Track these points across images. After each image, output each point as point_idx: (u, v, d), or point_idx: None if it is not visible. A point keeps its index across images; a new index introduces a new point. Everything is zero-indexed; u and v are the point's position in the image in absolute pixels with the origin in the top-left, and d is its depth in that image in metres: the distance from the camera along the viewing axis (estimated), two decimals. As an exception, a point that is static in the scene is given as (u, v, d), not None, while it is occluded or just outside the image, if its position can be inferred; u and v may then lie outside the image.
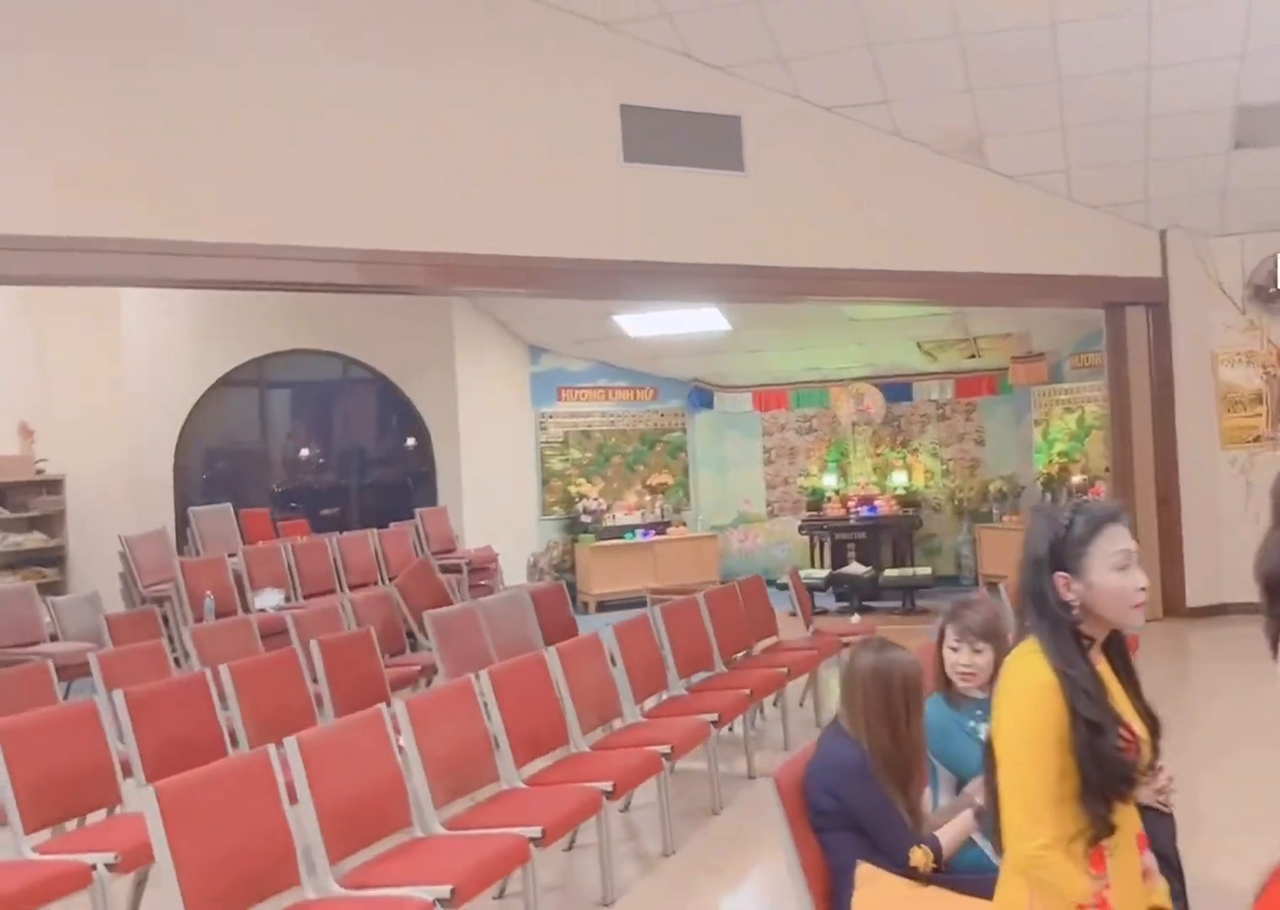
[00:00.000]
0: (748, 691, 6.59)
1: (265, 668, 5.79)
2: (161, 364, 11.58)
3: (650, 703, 6.50)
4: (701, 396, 14.83)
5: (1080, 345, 12.60)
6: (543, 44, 8.25)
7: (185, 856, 3.37)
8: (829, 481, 14.22)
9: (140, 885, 4.63)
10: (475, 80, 7.97)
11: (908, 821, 3.20)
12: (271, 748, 3.93)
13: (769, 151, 8.88)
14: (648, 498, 14.30)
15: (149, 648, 6.43)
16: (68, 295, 9.96)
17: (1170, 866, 3.23)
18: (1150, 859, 2.54)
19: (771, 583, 8.89)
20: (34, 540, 10.99)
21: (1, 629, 6.92)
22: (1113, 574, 2.34)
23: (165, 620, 8.22)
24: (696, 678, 7.07)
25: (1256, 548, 2.57)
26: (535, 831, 4.25)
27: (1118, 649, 2.46)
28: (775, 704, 7.70)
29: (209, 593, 8.81)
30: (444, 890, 3.68)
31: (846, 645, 8.30)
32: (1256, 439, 10.57)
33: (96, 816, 4.97)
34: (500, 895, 4.82)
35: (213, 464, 12.64)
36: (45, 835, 4.58)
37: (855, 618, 10.15)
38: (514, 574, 12.43)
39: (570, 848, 5.40)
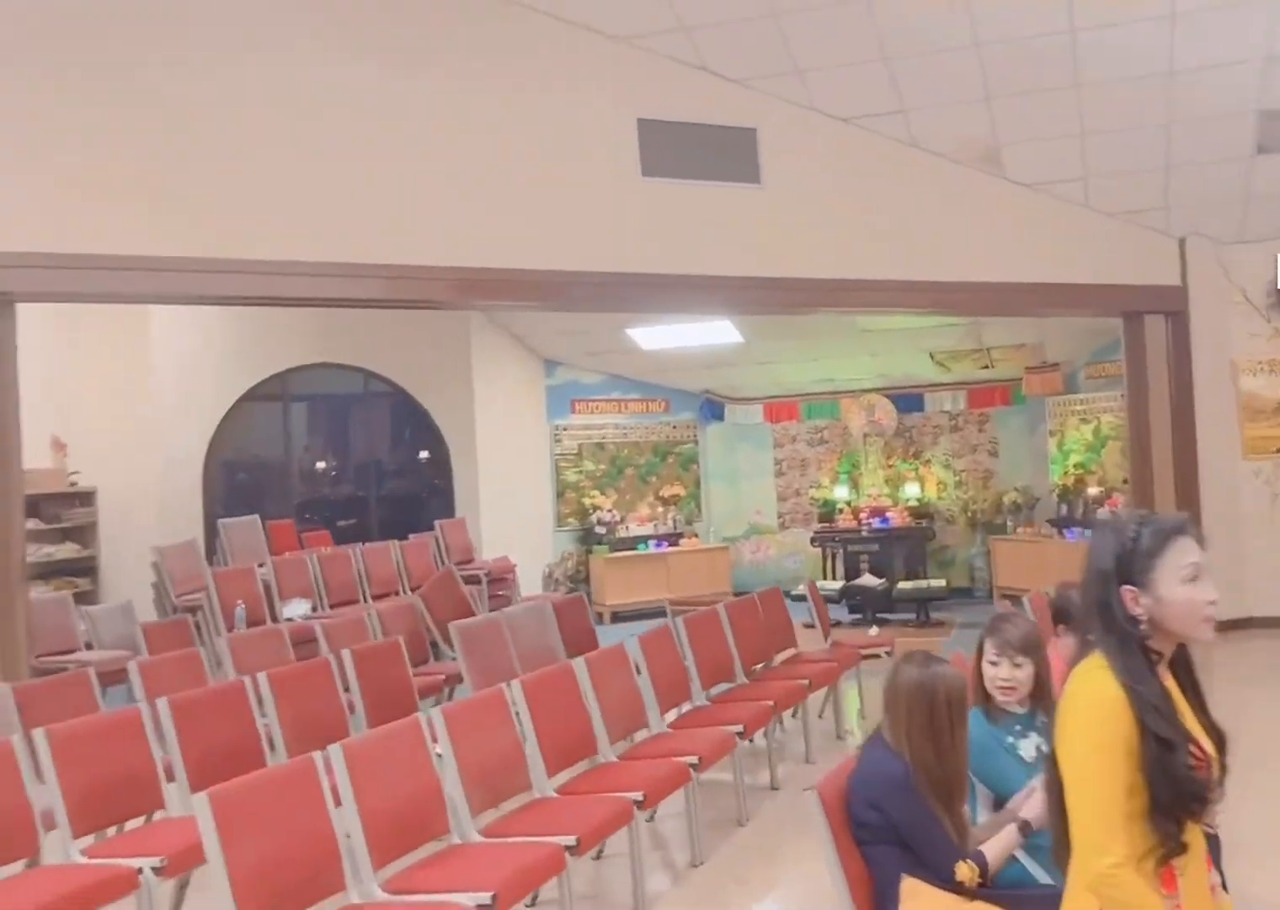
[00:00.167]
0: (771, 703, 6.61)
1: (300, 676, 5.85)
2: (189, 379, 11.76)
3: (672, 714, 6.54)
4: (713, 408, 14.88)
5: (1096, 355, 12.60)
6: (561, 60, 8.31)
7: (237, 861, 3.42)
8: (840, 493, 14.24)
9: (183, 889, 4.68)
10: (493, 96, 8.03)
11: (952, 836, 3.18)
12: (317, 755, 3.97)
13: (785, 163, 8.92)
14: (660, 509, 14.36)
15: (185, 656, 6.51)
16: (98, 312, 10.12)
17: None
18: (1216, 876, 2.48)
19: (785, 594, 8.91)
20: (66, 551, 11.19)
21: (39, 637, 7.00)
22: (1182, 587, 2.27)
23: (197, 629, 8.31)
24: (718, 689, 7.10)
25: None
26: (570, 840, 4.28)
27: (1184, 663, 2.39)
28: (795, 715, 7.72)
29: (240, 602, 8.92)
30: (485, 897, 3.72)
31: (866, 658, 8.36)
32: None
33: (134, 822, 5.03)
34: (533, 903, 4.85)
35: (238, 476, 12.76)
36: (89, 840, 4.64)
37: (873, 630, 10.16)
38: (529, 585, 12.50)
39: (599, 857, 5.44)
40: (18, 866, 4.53)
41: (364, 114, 7.58)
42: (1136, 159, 9.29)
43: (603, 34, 8.42)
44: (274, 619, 9.30)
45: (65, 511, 11.28)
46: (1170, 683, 2.34)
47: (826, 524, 13.92)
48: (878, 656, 8.44)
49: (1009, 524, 13.29)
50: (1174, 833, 2.19)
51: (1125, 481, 11.30)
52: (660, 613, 11.06)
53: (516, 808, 4.83)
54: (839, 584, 12.84)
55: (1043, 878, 3.37)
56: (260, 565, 10.00)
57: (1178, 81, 8.42)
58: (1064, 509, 12.73)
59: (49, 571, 10.79)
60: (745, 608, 7.95)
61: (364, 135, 7.57)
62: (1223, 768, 2.33)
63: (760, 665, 7.79)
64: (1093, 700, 2.23)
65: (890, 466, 14.36)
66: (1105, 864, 2.16)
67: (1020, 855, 3.34)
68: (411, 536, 11.70)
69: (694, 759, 5.42)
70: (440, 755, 4.47)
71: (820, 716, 8.01)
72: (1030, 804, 3.29)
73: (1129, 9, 7.85)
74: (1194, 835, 2.27)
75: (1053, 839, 2.34)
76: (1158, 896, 2.19)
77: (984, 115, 8.98)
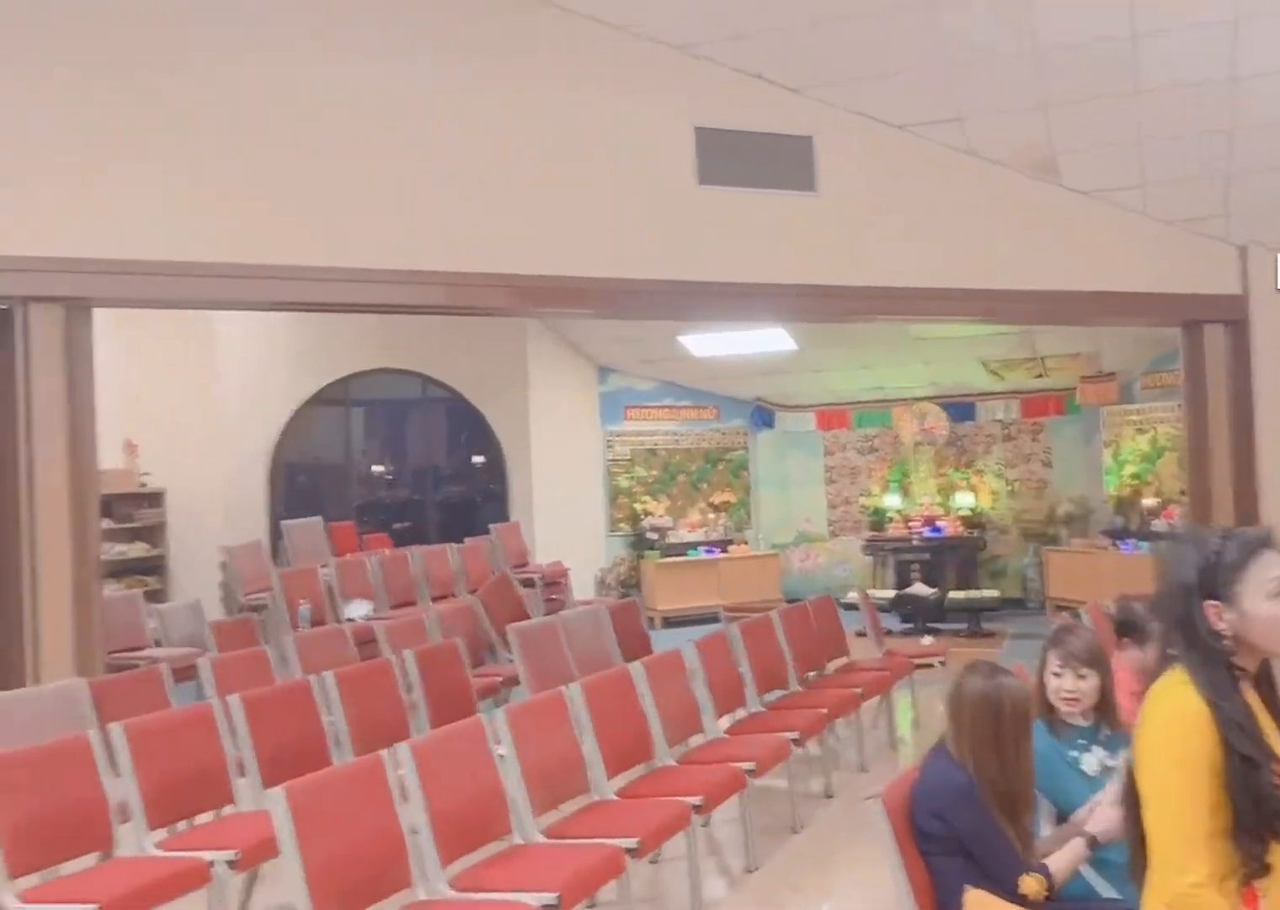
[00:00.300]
0: (825, 711, 6.63)
1: (365, 675, 5.95)
2: (256, 384, 12.01)
3: (726, 720, 6.58)
4: (763, 416, 14.90)
5: (1152, 365, 12.50)
6: (620, 68, 8.36)
7: (311, 856, 3.50)
8: (891, 501, 14.24)
9: (252, 883, 4.78)
10: (553, 105, 8.10)
11: (1017, 848, 3.16)
12: (385, 753, 4.05)
13: (840, 171, 8.93)
14: (710, 516, 14.40)
15: (254, 654, 6.65)
16: (167, 318, 10.35)
17: None
18: None
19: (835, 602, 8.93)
20: (137, 550, 11.49)
21: (111, 634, 7.17)
22: (1267, 602, 2.22)
23: (263, 627, 8.48)
24: (771, 696, 7.14)
25: None
26: (631, 842, 4.33)
27: (1267, 680, 2.33)
28: (847, 724, 7.74)
29: (304, 602, 9.08)
30: (550, 897, 3.78)
31: (919, 667, 8.36)
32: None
33: (203, 817, 5.13)
34: (591, 905, 4.90)
35: (300, 479, 12.98)
36: (162, 833, 4.75)
37: (926, 639, 10.13)
38: (582, 589, 12.60)
39: (655, 861, 5.48)
40: (91, 859, 4.65)
41: (430, 122, 7.67)
42: (1196, 166, 9.20)
43: (661, 42, 8.46)
44: (336, 619, 9.46)
45: (136, 511, 11.58)
46: (1253, 699, 2.28)
47: (877, 532, 13.92)
48: (931, 666, 8.44)
49: (1062, 535, 13.22)
50: (1258, 853, 2.15)
51: (1182, 493, 11.19)
52: (709, 618, 11.15)
53: (576, 809, 4.89)
54: (890, 593, 12.83)
55: (1107, 892, 3.36)
56: (323, 566, 10.17)
57: (1239, 88, 8.34)
58: (1119, 520, 12.65)
59: (120, 570, 11.05)
60: (798, 615, 7.99)
61: (428, 144, 7.65)
62: None
63: (813, 673, 7.82)
64: (1174, 716, 2.20)
65: (942, 475, 14.32)
66: (1186, 883, 2.12)
67: (1084, 869, 3.32)
68: (468, 540, 11.82)
69: (750, 765, 5.46)
70: (503, 756, 4.54)
71: (874, 725, 8.03)
72: (1096, 818, 3.27)
73: (1190, 14, 7.77)
74: (1278, 856, 2.21)
75: (1129, 854, 2.31)
76: None
77: (1041, 122, 8.94)
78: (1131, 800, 2.28)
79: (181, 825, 5.02)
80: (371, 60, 7.56)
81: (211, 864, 4.20)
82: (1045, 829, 3.50)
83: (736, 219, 8.58)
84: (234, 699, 5.11)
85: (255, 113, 7.19)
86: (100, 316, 7.03)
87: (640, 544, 13.81)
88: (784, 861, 5.64)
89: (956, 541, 13.38)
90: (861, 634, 8.94)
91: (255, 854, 4.34)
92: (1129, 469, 12.79)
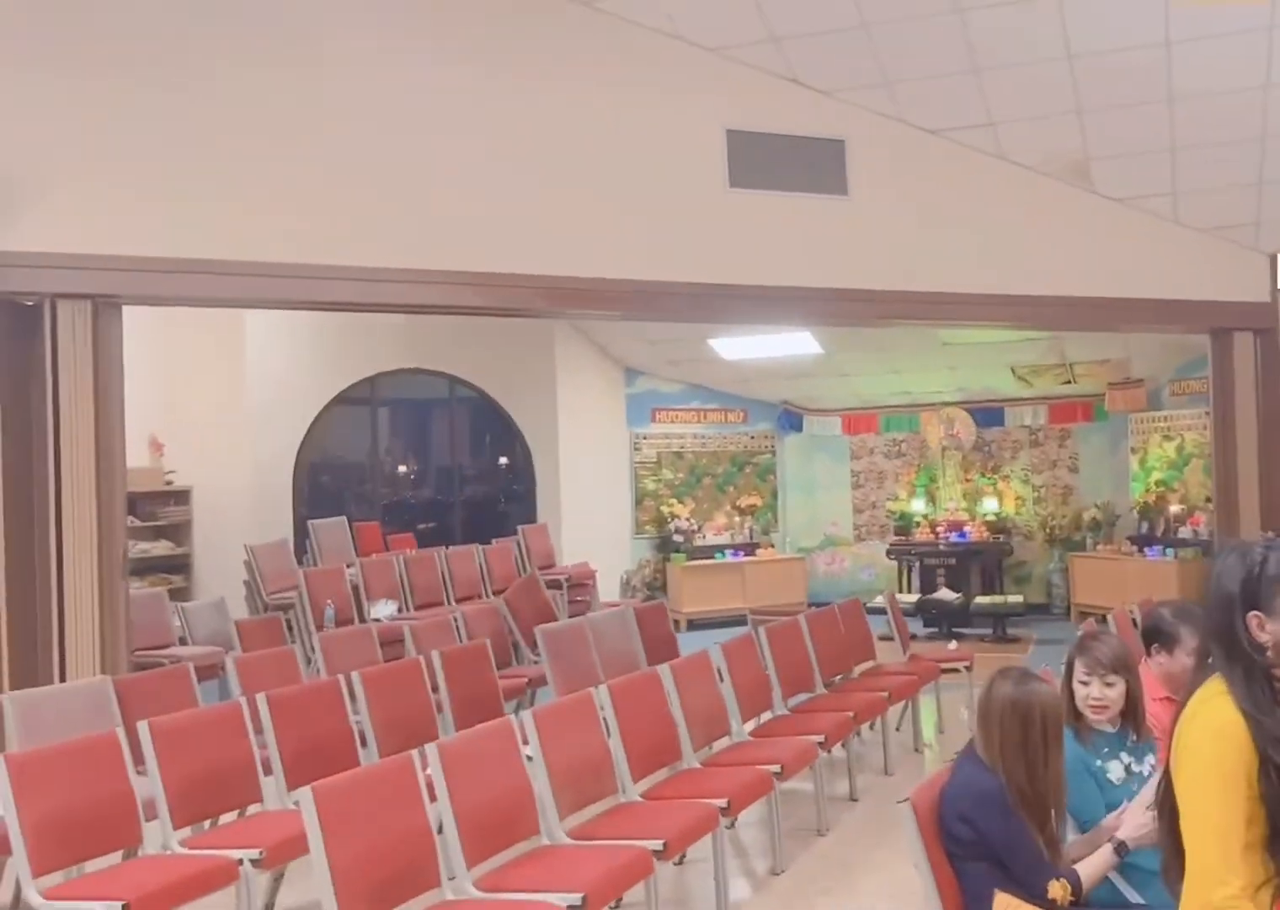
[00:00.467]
0: (851, 714, 6.63)
1: (392, 676, 5.96)
2: (282, 383, 12.02)
3: (751, 723, 6.57)
4: (791, 419, 14.88)
5: (1180, 372, 12.46)
6: (652, 71, 8.37)
7: (338, 855, 3.51)
8: (917, 506, 14.21)
9: (278, 881, 4.80)
10: (584, 105, 8.11)
11: (1045, 853, 3.16)
12: (414, 753, 4.06)
13: (872, 175, 8.92)
14: (736, 519, 14.40)
15: (281, 653, 6.66)
16: (195, 315, 10.39)
17: None
18: None
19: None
20: (162, 548, 11.57)
21: (135, 632, 7.19)
22: None
23: (288, 626, 8.51)
24: (797, 699, 7.13)
25: None
26: (658, 844, 4.33)
27: None
28: (873, 728, 7.73)
29: (329, 601, 9.09)
30: (575, 898, 3.77)
31: (945, 672, 8.34)
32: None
33: (228, 815, 5.15)
34: (616, 907, 4.91)
35: (325, 478, 13.01)
36: (186, 832, 4.76)
37: (952, 644, 10.11)
38: (608, 591, 12.60)
39: (680, 862, 5.48)
40: (116, 856, 4.67)
41: (459, 121, 7.70)
42: (1228, 174, 9.17)
43: (694, 44, 8.47)
44: (362, 619, 9.47)
45: (161, 509, 11.64)
46: None
47: (903, 537, 13.90)
48: (956, 671, 8.42)
49: (1088, 541, 13.18)
50: None
51: (1208, 500, 11.15)
52: (734, 621, 11.14)
53: (602, 811, 4.90)
54: (915, 597, 12.82)
55: (1134, 898, 3.35)
56: (348, 566, 10.18)
57: (1272, 96, 8.30)
58: (1145, 527, 12.62)
59: (145, 568, 11.09)
60: (825, 619, 7.99)
61: (457, 143, 7.68)
62: None
63: (839, 676, 7.81)
64: (1212, 727, 2.18)
65: (968, 480, 14.28)
66: (1222, 895, 2.11)
67: (1111, 874, 3.31)
68: (495, 541, 11.83)
69: (777, 768, 5.46)
70: (530, 757, 4.54)
71: (898, 729, 8.01)
72: (1126, 824, 3.27)
73: (1225, 22, 7.74)
74: None
75: (1163, 861, 2.31)
76: None
77: (1074, 128, 8.91)
78: (1168, 808, 2.27)
79: (207, 824, 5.03)
80: (402, 61, 7.59)
81: (239, 862, 4.21)
82: (1070, 834, 3.47)
83: (767, 222, 8.58)
84: (261, 698, 5.12)
85: (285, 113, 7.23)
86: (127, 314, 7.06)
87: (666, 546, 13.82)
88: (810, 864, 5.63)
89: (982, 547, 13.34)
90: (886, 638, 8.91)
91: (281, 852, 4.34)
92: (1155, 475, 12.75)
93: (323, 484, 12.89)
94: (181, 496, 11.74)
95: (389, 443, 13.85)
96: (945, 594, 12.63)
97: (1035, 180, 9.33)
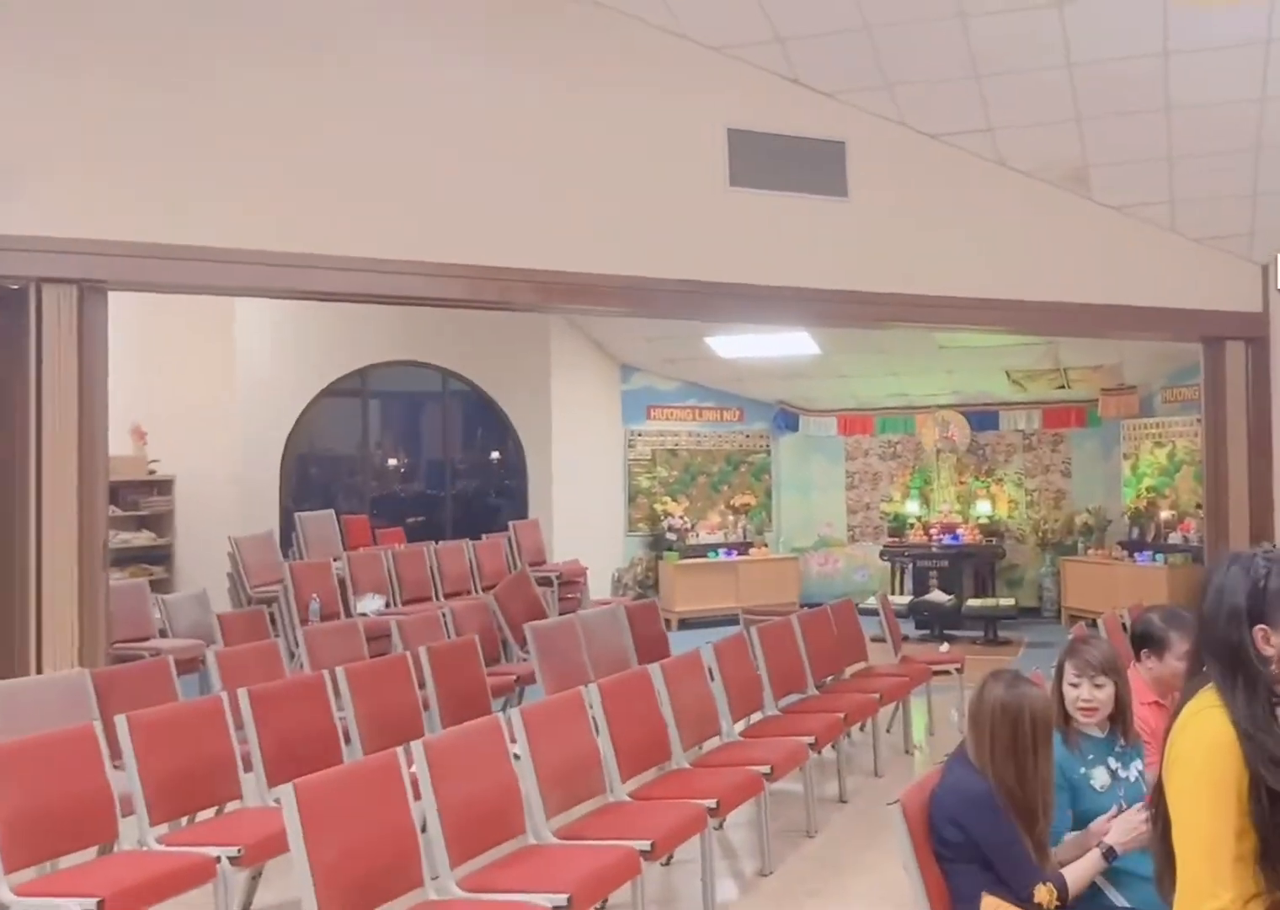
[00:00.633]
0: (842, 715, 6.60)
1: (378, 672, 5.89)
2: (271, 372, 11.92)
3: (742, 723, 6.54)
4: (786, 419, 14.86)
5: (1173, 379, 12.51)
6: (654, 68, 8.33)
7: (319, 853, 3.46)
8: (911, 508, 14.22)
9: (256, 879, 4.75)
10: (585, 102, 8.07)
11: (1033, 857, 3.17)
12: (399, 751, 4.01)
13: (871, 177, 8.90)
14: (730, 518, 14.37)
15: (264, 647, 6.57)
16: (183, 302, 10.26)
17: None
18: None
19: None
20: (143, 538, 11.41)
21: (115, 624, 7.09)
22: None
23: (272, 620, 8.42)
24: (788, 700, 7.11)
25: None
26: (645, 844, 4.29)
27: None
28: (863, 729, 7.70)
29: (314, 595, 9.01)
30: (561, 899, 3.74)
31: (936, 674, 8.33)
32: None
33: (206, 812, 5.09)
34: (602, 907, 4.87)
35: (313, 470, 12.93)
36: (164, 828, 4.68)
37: (944, 646, 10.08)
38: (599, 589, 12.56)
39: (668, 863, 5.44)
40: (91, 853, 4.58)
41: (458, 115, 7.66)
42: (1223, 184, 9.19)
43: (697, 43, 8.44)
44: (348, 613, 9.39)
45: (143, 499, 11.48)
46: None
47: (896, 539, 13.91)
48: (947, 673, 8.41)
49: (1079, 545, 13.23)
50: None
51: (1198, 507, 11.17)
52: (726, 621, 11.13)
53: (590, 810, 4.86)
54: (907, 599, 12.85)
55: (1119, 902, 3.37)
56: (335, 559, 10.09)
57: (1268, 108, 8.32)
58: (1136, 532, 12.66)
59: (125, 558, 10.95)
60: (818, 619, 7.96)
61: (452, 137, 7.63)
62: None
63: (830, 677, 7.79)
64: (1204, 739, 2.17)
65: (962, 483, 14.29)
66: (1213, 907, 2.10)
67: (1097, 878, 3.32)
68: (485, 537, 11.77)
69: (766, 768, 5.43)
70: (518, 756, 4.50)
71: (888, 731, 7.99)
72: (1115, 829, 3.28)
73: (1224, 33, 7.76)
74: None
75: (1157, 870, 2.30)
76: None
77: (1073, 136, 8.90)
78: (1160, 817, 2.26)
79: (184, 821, 4.96)
80: (403, 54, 7.54)
81: (216, 860, 4.14)
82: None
83: (766, 222, 8.56)
84: (242, 693, 5.03)
85: (279, 100, 7.17)
86: (114, 301, 6.99)
87: (659, 544, 13.77)
88: (798, 865, 5.61)
89: (974, 549, 13.38)
90: (878, 639, 8.89)
91: (260, 850, 4.29)
92: (1147, 482, 12.78)
93: (311, 476, 12.82)
94: (164, 486, 11.59)
95: (379, 435, 13.79)
96: (937, 596, 12.68)
97: (1033, 186, 9.33)
